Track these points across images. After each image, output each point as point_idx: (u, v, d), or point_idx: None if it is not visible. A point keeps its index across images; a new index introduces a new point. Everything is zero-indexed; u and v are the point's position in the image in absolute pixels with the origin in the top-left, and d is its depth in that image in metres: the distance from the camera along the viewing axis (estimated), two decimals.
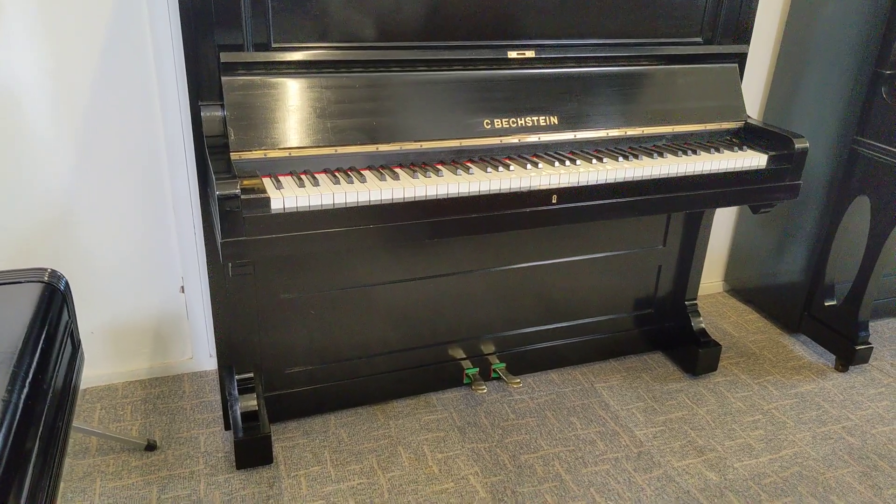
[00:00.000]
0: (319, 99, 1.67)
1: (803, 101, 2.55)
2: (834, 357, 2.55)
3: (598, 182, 1.78)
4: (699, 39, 2.09)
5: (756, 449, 2.08)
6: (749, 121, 2.11)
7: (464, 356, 2.25)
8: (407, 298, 2.09)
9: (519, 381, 2.22)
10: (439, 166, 1.75)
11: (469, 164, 1.76)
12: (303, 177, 1.63)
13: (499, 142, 1.83)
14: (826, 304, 2.55)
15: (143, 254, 2.15)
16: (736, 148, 2.01)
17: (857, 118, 2.34)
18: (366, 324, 2.08)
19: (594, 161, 1.83)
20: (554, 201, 1.74)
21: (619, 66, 1.97)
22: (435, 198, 1.63)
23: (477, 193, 1.66)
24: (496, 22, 1.84)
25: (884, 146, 2.27)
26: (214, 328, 1.91)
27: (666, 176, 1.85)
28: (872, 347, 2.50)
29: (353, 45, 1.73)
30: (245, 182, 1.53)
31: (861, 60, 2.30)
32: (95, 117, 1.95)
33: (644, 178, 1.83)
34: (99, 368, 2.24)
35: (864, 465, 2.04)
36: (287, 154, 1.64)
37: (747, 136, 2.11)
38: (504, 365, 2.28)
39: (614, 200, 1.80)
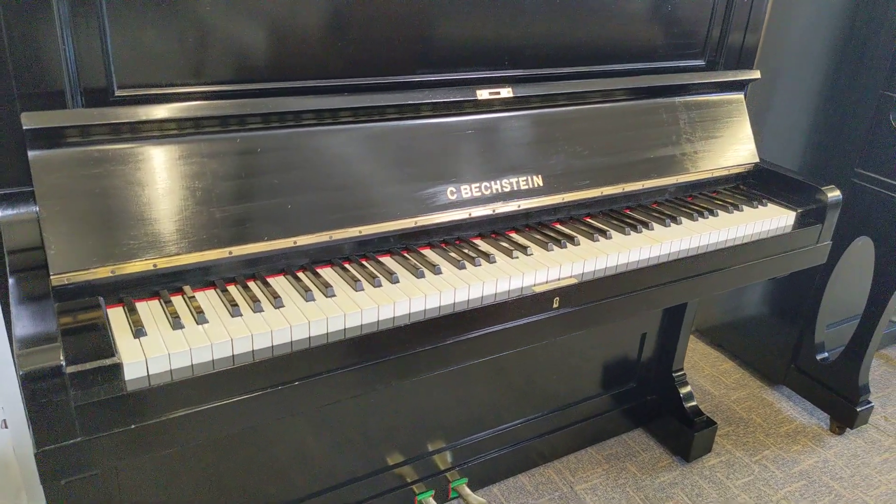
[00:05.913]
0: (198, 175, 1.06)
1: (790, 130, 2.17)
2: (828, 416, 2.22)
3: (608, 271, 1.28)
4: (701, 62, 1.63)
5: None
6: (760, 164, 1.69)
7: (415, 478, 1.71)
8: (331, 421, 1.52)
9: (484, 502, 1.70)
10: (385, 259, 1.19)
11: (429, 256, 1.21)
12: (176, 300, 1.03)
13: (468, 216, 1.29)
14: (818, 357, 2.21)
15: None
16: (756, 203, 1.58)
17: (858, 149, 1.98)
18: (274, 463, 1.49)
19: (597, 237, 1.33)
20: (555, 306, 1.22)
21: (613, 101, 1.47)
22: (392, 324, 1.07)
23: (449, 311, 1.12)
24: (456, 48, 1.28)
25: (891, 181, 1.92)
26: None
27: (695, 252, 1.38)
28: (873, 406, 2.19)
29: (246, 89, 1.13)
30: (76, 317, 0.91)
31: (865, 82, 1.94)
32: None
33: (661, 261, 1.35)
34: None
35: None
36: (152, 266, 1.03)
37: (757, 182, 1.69)
38: (465, 480, 1.76)
39: (631, 293, 1.31)
